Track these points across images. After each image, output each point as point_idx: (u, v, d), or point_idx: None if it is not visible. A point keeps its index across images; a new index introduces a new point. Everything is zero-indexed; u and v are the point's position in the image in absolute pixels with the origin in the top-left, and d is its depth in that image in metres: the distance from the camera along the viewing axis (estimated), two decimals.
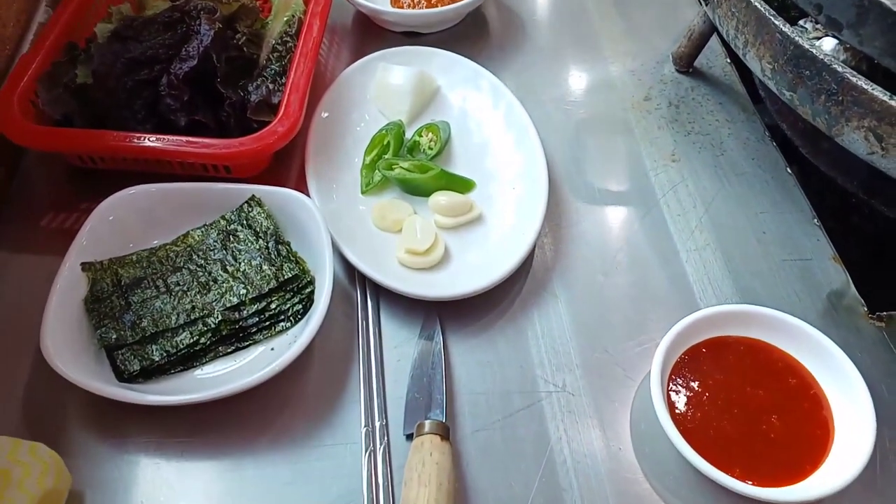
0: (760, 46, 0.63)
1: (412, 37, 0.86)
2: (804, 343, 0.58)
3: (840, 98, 0.58)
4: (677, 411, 0.56)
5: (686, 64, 0.84)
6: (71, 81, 0.70)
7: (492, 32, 0.88)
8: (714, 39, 0.86)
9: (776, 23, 0.60)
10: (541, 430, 0.57)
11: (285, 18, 0.79)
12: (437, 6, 0.83)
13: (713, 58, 0.86)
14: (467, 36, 0.86)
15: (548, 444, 0.56)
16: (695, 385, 0.57)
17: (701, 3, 0.71)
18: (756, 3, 0.62)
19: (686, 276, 0.66)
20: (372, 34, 0.87)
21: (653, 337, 0.57)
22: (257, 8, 0.80)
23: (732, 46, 0.68)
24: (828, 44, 0.61)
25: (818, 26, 0.62)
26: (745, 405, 0.56)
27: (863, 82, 0.56)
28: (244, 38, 0.75)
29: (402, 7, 0.85)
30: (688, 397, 0.57)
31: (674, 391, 0.57)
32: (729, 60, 0.86)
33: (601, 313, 0.64)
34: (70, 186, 0.71)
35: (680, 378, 0.58)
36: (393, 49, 0.79)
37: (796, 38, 0.59)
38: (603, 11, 0.91)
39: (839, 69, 0.57)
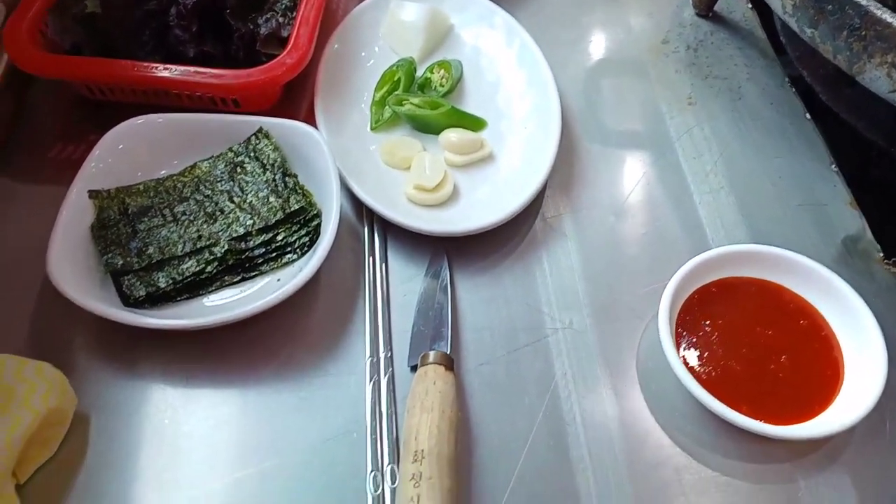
0: None
1: None
2: (816, 284, 0.57)
3: (862, 33, 0.56)
4: (685, 350, 0.55)
5: (706, 8, 0.82)
6: (80, 11, 0.69)
7: None
8: None
9: None
10: (545, 367, 0.57)
11: None
12: None
13: (733, 2, 0.83)
14: None
15: (552, 380, 0.56)
16: (704, 324, 0.57)
17: None
18: None
19: (699, 219, 0.65)
20: None
21: (662, 278, 0.56)
22: None
23: None
24: None
25: None
26: (755, 345, 0.56)
27: (888, 15, 0.54)
28: None
29: None
30: (696, 336, 0.56)
31: (682, 330, 0.56)
32: (750, 6, 0.83)
33: (611, 254, 0.63)
34: (78, 118, 0.70)
35: (689, 317, 0.57)
36: None
37: None
38: None
39: (862, 2, 0.55)
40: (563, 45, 0.78)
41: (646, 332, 0.59)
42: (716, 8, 0.82)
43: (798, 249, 0.58)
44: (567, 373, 0.56)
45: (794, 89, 0.76)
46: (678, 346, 0.55)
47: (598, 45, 0.79)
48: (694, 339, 0.56)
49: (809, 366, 0.55)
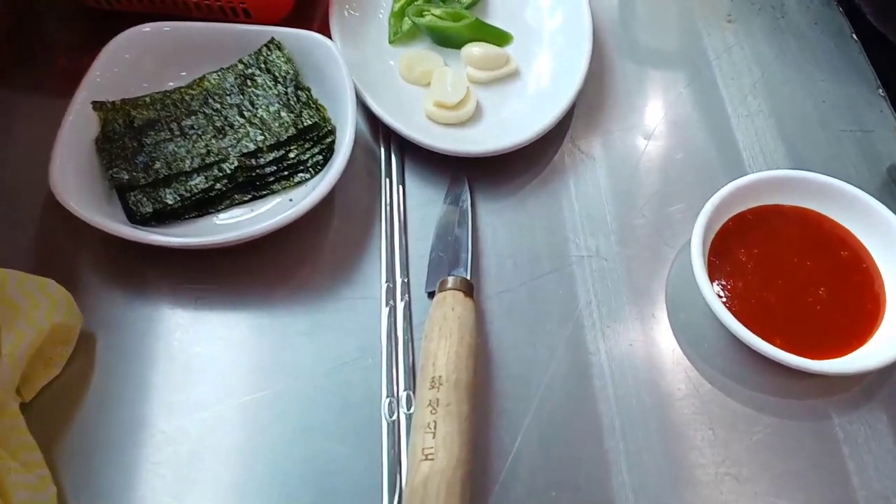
0: None
1: None
2: (860, 214, 0.54)
3: None
4: (717, 280, 0.52)
5: None
6: None
7: None
8: None
9: None
10: (569, 294, 0.54)
11: None
12: None
13: None
14: None
15: (576, 308, 0.53)
16: (738, 254, 0.54)
17: None
18: None
19: (735, 143, 0.62)
20: None
21: (696, 204, 0.53)
22: None
23: None
24: None
25: None
26: (792, 276, 0.53)
27: None
28: None
29: None
30: (730, 266, 0.53)
31: (715, 259, 0.53)
32: None
33: (642, 178, 0.60)
34: (84, 28, 0.67)
35: (723, 246, 0.54)
36: None
37: None
38: None
39: None
40: None
41: (676, 261, 0.56)
42: None
43: (840, 177, 0.55)
44: (592, 301, 0.54)
45: (840, 8, 0.71)
46: (711, 275, 0.52)
47: None
48: (728, 269, 0.53)
49: (849, 299, 0.52)
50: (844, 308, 0.52)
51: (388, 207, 0.58)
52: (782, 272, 0.53)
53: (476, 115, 0.61)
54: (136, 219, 0.53)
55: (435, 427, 0.44)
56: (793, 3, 0.71)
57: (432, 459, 0.43)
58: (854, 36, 0.69)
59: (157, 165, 0.55)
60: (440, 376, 0.46)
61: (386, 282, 0.54)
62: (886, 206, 0.53)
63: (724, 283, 0.52)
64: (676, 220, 0.57)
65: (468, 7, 0.66)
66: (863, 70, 0.67)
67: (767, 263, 0.53)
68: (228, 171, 0.55)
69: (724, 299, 0.51)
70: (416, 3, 0.65)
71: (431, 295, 0.52)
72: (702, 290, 0.50)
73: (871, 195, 0.54)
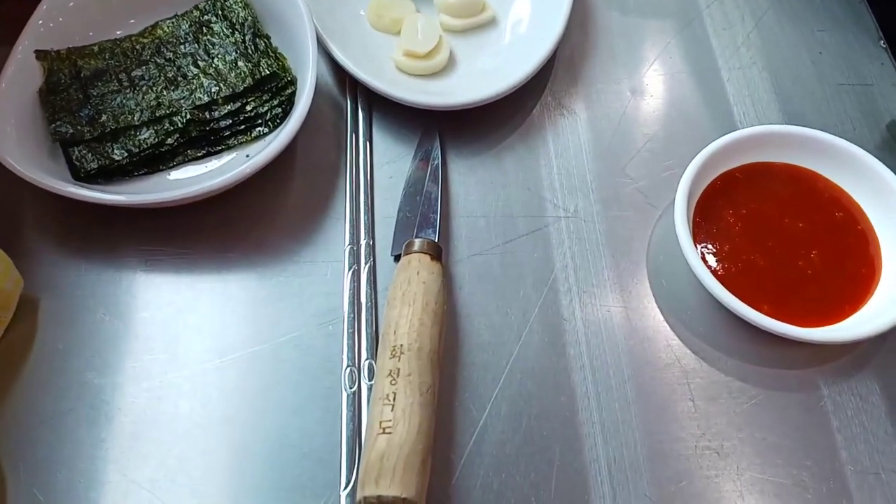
0: None
1: None
2: (856, 172, 0.51)
3: None
4: (703, 242, 0.49)
5: None
6: None
7: None
8: None
9: None
10: (545, 257, 0.51)
11: None
12: None
13: None
14: None
15: (551, 272, 0.50)
16: (726, 214, 0.50)
17: None
18: None
19: (726, 97, 0.58)
20: None
21: (682, 162, 0.49)
22: None
23: None
24: None
25: None
26: (782, 237, 0.49)
27: None
28: None
29: None
30: (717, 227, 0.50)
31: (701, 220, 0.50)
32: None
33: (625, 134, 0.56)
34: None
35: (709, 205, 0.50)
36: None
37: None
38: None
39: None
40: None
41: (660, 222, 0.52)
42: None
43: (837, 133, 0.51)
44: (568, 265, 0.50)
45: None
46: (695, 237, 0.49)
47: None
48: (714, 230, 0.50)
49: (842, 263, 0.49)
50: (837, 272, 0.48)
51: (354, 164, 0.54)
52: (772, 234, 0.50)
53: (449, 66, 0.57)
54: (80, 175, 0.50)
55: (394, 399, 0.41)
56: None
57: (390, 433, 0.40)
58: None
59: (104, 118, 0.51)
60: (401, 345, 0.43)
61: (349, 244, 0.51)
62: (885, 164, 0.50)
63: (709, 245, 0.49)
64: (661, 178, 0.54)
65: None
66: (863, 20, 0.62)
67: (756, 224, 0.50)
68: (180, 125, 0.51)
69: (709, 263, 0.48)
70: None
71: (398, 258, 0.49)
72: (685, 252, 0.47)
73: (870, 153, 0.50)
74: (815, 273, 0.48)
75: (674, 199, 0.48)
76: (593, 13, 0.62)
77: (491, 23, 0.59)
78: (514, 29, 0.59)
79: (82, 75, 0.53)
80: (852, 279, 0.48)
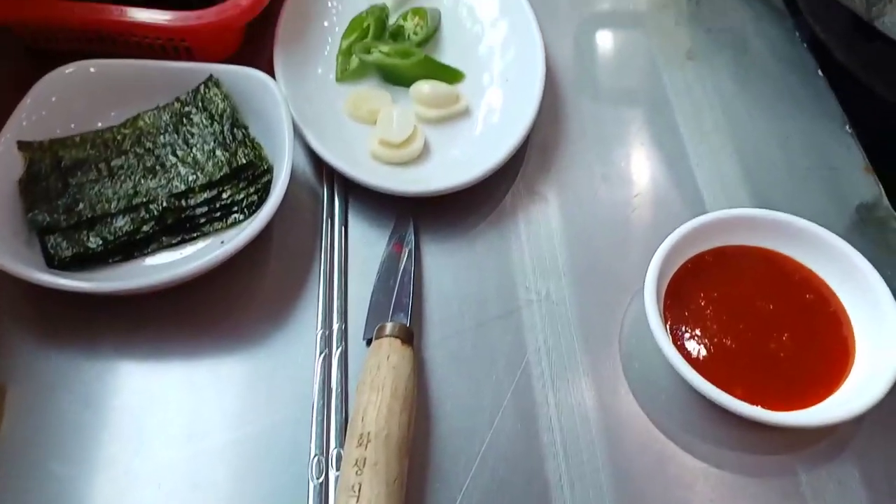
0: None
1: None
2: (825, 254, 0.51)
3: None
4: (674, 325, 0.49)
5: None
6: None
7: None
8: None
9: None
10: (517, 341, 0.51)
11: None
12: None
13: None
14: None
15: (524, 356, 0.50)
16: (696, 297, 0.50)
17: None
18: None
19: (695, 181, 0.59)
20: None
21: (653, 245, 0.50)
22: None
23: None
24: None
25: None
26: (753, 320, 0.49)
27: None
28: None
29: None
30: (688, 310, 0.50)
31: (672, 302, 0.50)
32: None
33: (596, 219, 0.57)
34: (20, 68, 0.64)
35: (680, 289, 0.51)
36: None
37: None
38: None
39: None
40: None
41: (631, 305, 0.53)
42: None
43: (807, 216, 0.52)
44: (541, 348, 0.50)
45: (805, 45, 0.69)
46: (666, 321, 0.49)
47: None
48: (685, 313, 0.50)
49: (815, 345, 0.49)
50: (811, 355, 0.48)
51: (329, 249, 0.54)
52: (743, 316, 0.50)
53: (424, 154, 0.58)
54: (54, 263, 0.50)
55: (359, 490, 0.40)
56: (756, 40, 0.69)
57: None
58: (820, 72, 0.67)
59: (81, 207, 0.52)
60: (369, 432, 0.42)
61: (322, 328, 0.50)
62: (855, 247, 0.50)
63: (681, 328, 0.49)
64: (632, 261, 0.54)
65: (418, 45, 0.63)
66: (829, 106, 0.64)
67: (727, 307, 0.50)
68: (156, 213, 0.52)
69: (681, 346, 0.48)
70: (364, 40, 0.63)
71: (370, 343, 0.49)
72: (656, 336, 0.47)
73: (840, 234, 0.51)
74: (788, 355, 0.48)
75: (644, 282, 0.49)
76: (564, 101, 0.63)
77: (464, 113, 0.61)
78: (486, 119, 0.60)
79: (62, 165, 0.54)
80: (826, 361, 0.48)
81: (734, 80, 0.66)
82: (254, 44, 0.65)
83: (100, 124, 0.57)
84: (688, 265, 0.52)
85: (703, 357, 0.48)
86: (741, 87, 0.65)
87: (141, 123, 0.57)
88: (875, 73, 0.67)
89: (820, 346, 0.49)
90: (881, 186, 0.59)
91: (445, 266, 0.54)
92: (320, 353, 0.49)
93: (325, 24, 0.66)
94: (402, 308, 0.50)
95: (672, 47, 0.68)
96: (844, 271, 0.50)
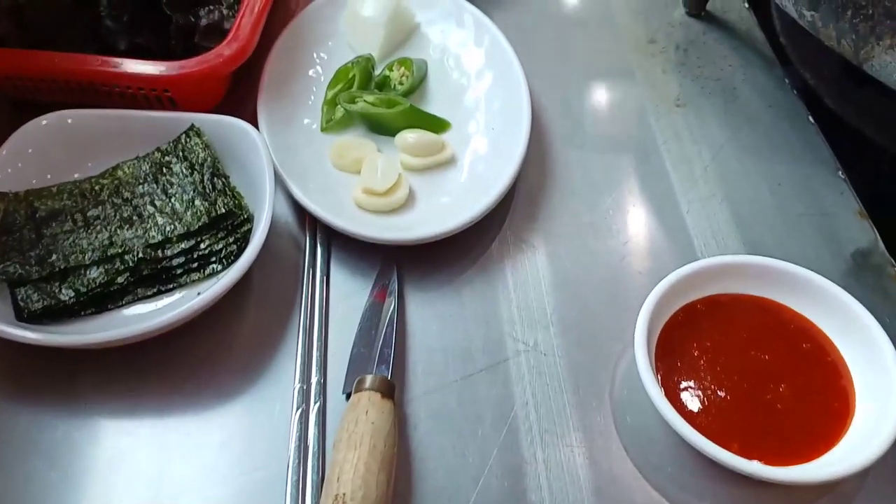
0: None
1: None
2: (822, 302, 0.49)
3: (869, 11, 0.49)
4: (667, 377, 0.47)
5: (697, 6, 0.75)
6: (10, 3, 0.63)
7: None
8: None
9: None
10: (504, 394, 0.49)
11: None
12: None
13: (728, 2, 0.77)
14: None
15: (511, 410, 0.48)
16: (689, 347, 0.49)
17: None
18: None
19: (686, 229, 0.58)
20: None
21: (643, 293, 0.48)
22: None
23: None
24: None
25: None
26: (748, 371, 0.48)
27: None
28: None
29: None
30: (681, 360, 0.48)
31: (664, 353, 0.48)
32: (746, 4, 0.77)
33: (585, 267, 0.55)
34: (4, 119, 0.63)
35: (672, 339, 0.49)
36: None
37: None
38: None
39: None
40: (539, 44, 0.71)
41: (622, 357, 0.51)
42: (708, 7, 0.75)
43: (801, 263, 0.51)
44: (529, 402, 0.48)
45: (795, 91, 0.68)
46: (658, 372, 0.47)
47: (577, 45, 0.72)
48: (678, 364, 0.48)
49: (813, 396, 0.47)
50: (809, 406, 0.46)
51: (310, 299, 0.53)
52: (738, 367, 0.48)
53: (409, 202, 0.57)
54: (23, 316, 0.49)
55: None
56: (745, 87, 0.68)
57: None
58: (810, 118, 0.66)
59: (54, 258, 0.51)
60: (344, 493, 0.40)
61: (300, 382, 0.49)
62: (853, 292, 0.49)
63: (673, 380, 0.47)
64: (622, 310, 0.52)
65: (405, 94, 0.63)
66: (821, 152, 0.63)
67: (721, 358, 0.48)
68: (131, 264, 0.50)
69: (674, 399, 0.46)
70: (349, 90, 0.62)
71: (350, 397, 0.47)
72: (647, 389, 0.45)
73: (836, 281, 0.49)
74: (786, 408, 0.46)
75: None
76: (551, 149, 0.63)
77: (450, 161, 0.60)
78: (472, 166, 0.59)
79: (37, 216, 0.53)
80: (825, 414, 0.46)
81: (724, 127, 0.65)
82: (238, 93, 0.64)
83: (77, 175, 0.56)
84: (679, 314, 0.50)
85: (698, 410, 0.46)
86: (731, 134, 0.64)
87: (120, 173, 0.56)
88: (866, 117, 0.67)
89: (819, 397, 0.47)
90: (876, 232, 0.58)
91: (430, 316, 0.52)
92: (297, 409, 0.47)
93: (311, 73, 0.66)
94: (383, 360, 0.49)
95: (660, 95, 0.67)
96: (842, 319, 0.49)
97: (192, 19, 0.62)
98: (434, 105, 0.64)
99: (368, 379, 0.46)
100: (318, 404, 0.47)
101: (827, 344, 0.49)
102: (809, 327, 0.50)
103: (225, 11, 0.63)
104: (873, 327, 0.47)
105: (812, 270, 0.50)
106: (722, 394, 0.47)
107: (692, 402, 0.46)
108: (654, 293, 0.49)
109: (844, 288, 0.49)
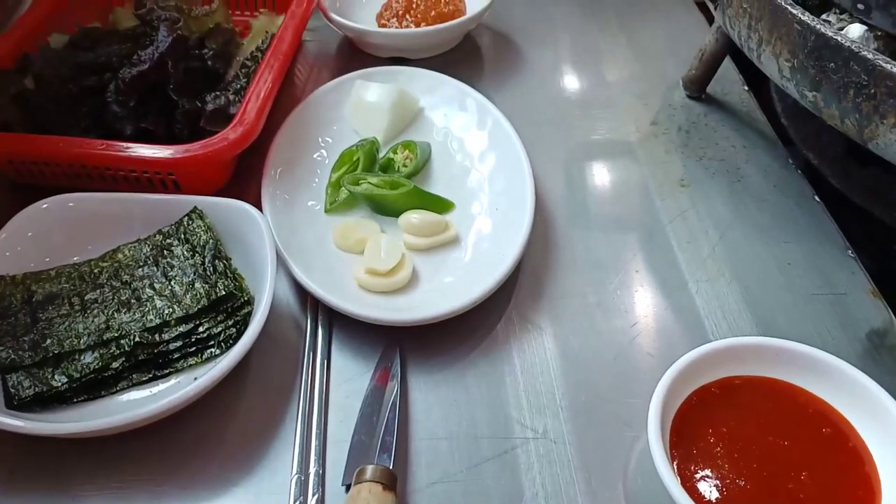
0: (777, 42, 0.55)
1: (400, 63, 0.79)
2: (840, 385, 0.48)
3: (872, 91, 0.49)
4: (682, 464, 0.45)
5: (698, 89, 0.76)
6: (18, 90, 0.64)
7: (484, 59, 0.82)
8: (728, 67, 0.79)
9: (794, 12, 0.52)
10: (513, 485, 0.46)
11: (262, 38, 0.74)
12: (426, 24, 0.77)
13: (728, 85, 0.78)
14: (457, 62, 0.79)
15: (521, 501, 0.46)
16: (705, 433, 0.46)
17: (709, 4, 0.64)
18: None
19: (696, 309, 0.56)
20: (357, 60, 0.80)
21: (655, 377, 0.47)
22: (233, 30, 0.75)
23: (745, 50, 0.60)
24: (854, 31, 0.52)
25: (843, 16, 0.54)
26: (767, 459, 0.45)
27: None
28: (212, 52, 0.69)
29: (388, 27, 0.79)
30: (696, 447, 0.46)
31: (679, 439, 0.46)
32: (746, 88, 0.78)
33: (594, 349, 0.54)
34: (6, 202, 0.63)
35: (687, 423, 0.47)
36: (374, 68, 0.73)
37: (817, 27, 0.51)
38: (607, 34, 0.85)
39: (870, 56, 0.48)
40: (541, 126, 0.72)
41: (635, 444, 0.49)
42: (708, 90, 0.76)
43: (815, 344, 0.49)
44: (538, 493, 0.46)
45: (799, 171, 0.68)
46: (674, 460, 0.45)
47: (580, 126, 0.73)
48: (693, 451, 0.46)
49: (836, 484, 0.44)
50: (832, 495, 0.44)
51: (309, 384, 0.51)
52: (757, 454, 0.45)
53: (412, 283, 0.56)
54: (13, 403, 0.47)
55: None
56: (749, 167, 0.68)
57: None
58: (816, 197, 0.66)
59: (48, 343, 0.49)
60: None
61: (297, 472, 0.46)
62: (871, 374, 0.47)
63: (690, 468, 0.45)
64: (634, 395, 0.51)
65: (409, 176, 0.63)
66: (828, 230, 0.63)
67: (739, 444, 0.46)
68: (127, 348, 0.49)
69: (691, 488, 0.44)
70: (354, 172, 0.62)
71: (350, 488, 0.45)
72: (663, 478, 0.42)
73: (852, 363, 0.48)
74: (808, 497, 0.43)
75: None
76: (555, 229, 0.62)
77: (454, 241, 0.59)
78: (476, 246, 0.59)
79: (34, 300, 0.52)
80: (849, 502, 0.43)
81: (729, 207, 0.64)
82: (243, 175, 0.65)
83: (76, 258, 0.55)
84: (693, 398, 0.48)
85: (716, 500, 0.43)
86: (737, 214, 0.64)
87: (120, 256, 0.55)
88: (873, 197, 0.66)
89: (842, 485, 0.44)
90: (891, 312, 0.56)
91: (434, 400, 0.51)
92: (294, 501, 0.45)
93: (316, 156, 0.66)
94: (385, 449, 0.47)
95: (664, 175, 0.67)
96: (862, 402, 0.47)
97: (199, 104, 0.63)
98: (438, 186, 0.64)
99: (369, 469, 0.44)
100: (316, 496, 0.45)
101: (847, 428, 0.47)
102: (828, 411, 0.48)
103: (231, 97, 0.64)
104: (895, 410, 0.45)
105: (827, 351, 0.48)
106: (741, 483, 0.44)
107: (710, 491, 0.44)
108: (666, 377, 0.47)
109: (862, 370, 0.47)
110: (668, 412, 0.47)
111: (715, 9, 0.63)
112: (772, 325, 0.55)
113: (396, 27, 0.78)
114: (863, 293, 0.58)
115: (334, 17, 0.77)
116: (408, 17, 0.78)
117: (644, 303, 0.57)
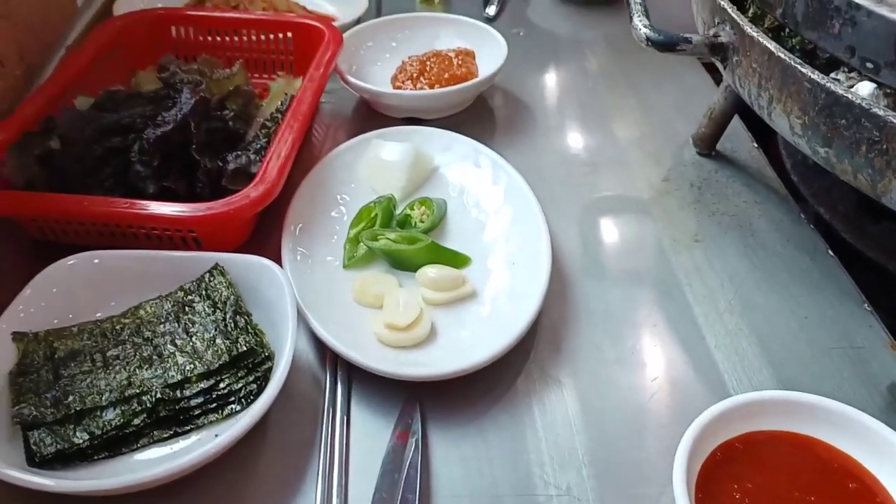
0: (787, 100, 0.56)
1: (414, 123, 0.81)
2: (864, 439, 0.47)
3: (884, 146, 0.50)
4: None
5: (708, 146, 0.77)
6: (43, 150, 0.65)
7: (497, 119, 0.83)
8: (738, 125, 0.80)
9: (803, 70, 0.53)
10: None
11: (280, 100, 0.75)
12: (439, 86, 0.79)
13: (738, 142, 0.79)
14: (470, 123, 0.81)
15: None
16: (730, 489, 0.46)
17: (718, 64, 0.65)
18: (780, 54, 0.55)
19: (715, 364, 0.56)
20: (373, 121, 0.82)
21: (677, 433, 0.46)
22: (253, 92, 0.77)
23: (755, 108, 0.61)
24: (864, 89, 0.53)
25: (851, 75, 0.55)
26: None
27: None
28: (232, 113, 0.71)
29: (402, 88, 0.81)
30: None
31: (703, 495, 0.45)
32: (755, 145, 0.79)
33: (615, 405, 0.54)
34: (29, 259, 0.64)
35: (711, 479, 0.46)
36: (389, 128, 0.75)
37: (828, 85, 0.52)
38: (617, 94, 0.87)
39: (881, 113, 0.49)
40: (555, 183, 0.73)
41: (660, 499, 0.48)
42: (718, 147, 0.78)
43: (836, 398, 0.49)
44: None
45: (812, 226, 0.69)
46: None
47: (593, 184, 0.74)
48: None
49: None
50: None
51: (329, 441, 0.51)
52: None
53: (431, 337, 0.57)
54: (35, 460, 0.47)
55: None
56: (761, 222, 0.69)
57: None
58: (830, 252, 0.66)
59: (70, 399, 0.49)
60: None
61: None
62: (892, 429, 0.47)
63: None
64: (657, 450, 0.50)
65: (426, 231, 0.64)
66: (844, 284, 0.63)
67: (765, 500, 0.45)
68: (149, 405, 0.49)
69: None
70: (372, 228, 0.63)
71: None
72: None
73: (875, 417, 0.47)
74: None
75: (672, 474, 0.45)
76: (572, 284, 0.62)
77: (471, 296, 0.60)
78: (494, 301, 0.59)
79: (56, 356, 0.52)
80: None
81: (744, 261, 0.65)
82: (263, 232, 0.66)
83: (99, 314, 0.56)
84: (717, 454, 0.48)
85: None
86: (752, 268, 0.64)
87: (142, 312, 0.55)
88: (887, 251, 0.67)
89: None
90: None
91: (455, 458, 0.50)
92: None
93: (334, 213, 0.67)
94: None
95: (678, 230, 0.68)
96: (887, 457, 0.46)
97: (220, 164, 0.64)
98: (454, 241, 0.65)
99: None
100: None
101: (873, 483, 0.46)
102: (853, 465, 0.47)
103: (252, 156, 0.65)
104: None
105: (849, 405, 0.48)
106: None
107: None
108: (690, 431, 0.47)
109: (885, 423, 0.47)
110: (693, 468, 0.46)
111: (724, 68, 0.64)
112: (793, 380, 0.55)
113: (411, 89, 0.80)
114: (882, 347, 0.58)
115: (351, 79, 0.80)
116: (422, 79, 0.81)
117: (663, 357, 0.57)
